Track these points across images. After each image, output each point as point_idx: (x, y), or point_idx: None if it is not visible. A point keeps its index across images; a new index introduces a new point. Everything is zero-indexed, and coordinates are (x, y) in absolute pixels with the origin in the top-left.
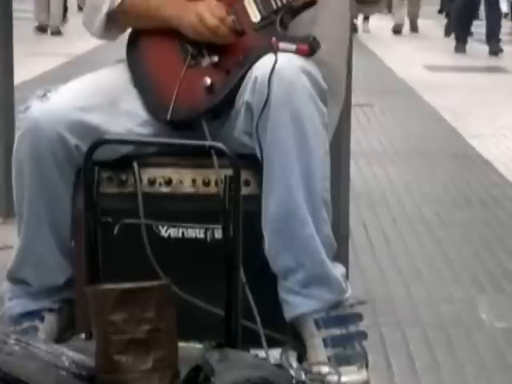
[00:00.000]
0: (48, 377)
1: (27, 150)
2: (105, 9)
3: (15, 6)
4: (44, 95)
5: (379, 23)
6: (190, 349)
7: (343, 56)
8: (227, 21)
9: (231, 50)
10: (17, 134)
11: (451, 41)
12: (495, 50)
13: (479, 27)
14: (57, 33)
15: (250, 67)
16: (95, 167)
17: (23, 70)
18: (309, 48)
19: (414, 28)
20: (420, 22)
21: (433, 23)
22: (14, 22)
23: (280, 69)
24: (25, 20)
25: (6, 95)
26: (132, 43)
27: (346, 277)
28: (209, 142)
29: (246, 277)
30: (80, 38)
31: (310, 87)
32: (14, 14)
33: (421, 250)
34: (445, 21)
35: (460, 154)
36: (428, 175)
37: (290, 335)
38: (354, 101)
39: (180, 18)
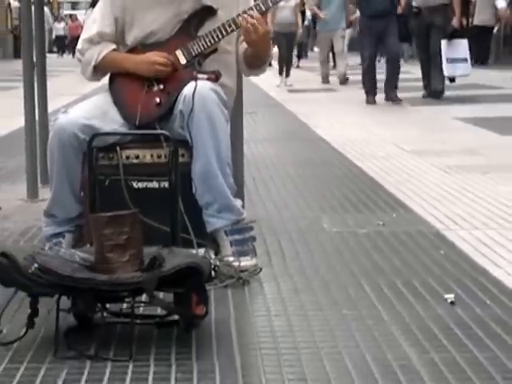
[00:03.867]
0: (67, 267)
1: (56, 143)
2: (92, 63)
3: None
4: (65, 111)
5: None
6: (150, 248)
7: (234, 83)
8: (170, 58)
9: (170, 81)
10: (50, 134)
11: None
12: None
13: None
14: None
15: (181, 90)
16: (94, 149)
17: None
18: (215, 77)
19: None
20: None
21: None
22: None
23: (198, 89)
24: None
25: (43, 118)
26: (112, 78)
27: (243, 207)
28: (160, 132)
29: (184, 208)
30: None
31: (217, 99)
32: None
33: (287, 192)
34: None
35: (308, 138)
36: (291, 151)
37: (210, 241)
38: (244, 110)
39: (136, 67)
